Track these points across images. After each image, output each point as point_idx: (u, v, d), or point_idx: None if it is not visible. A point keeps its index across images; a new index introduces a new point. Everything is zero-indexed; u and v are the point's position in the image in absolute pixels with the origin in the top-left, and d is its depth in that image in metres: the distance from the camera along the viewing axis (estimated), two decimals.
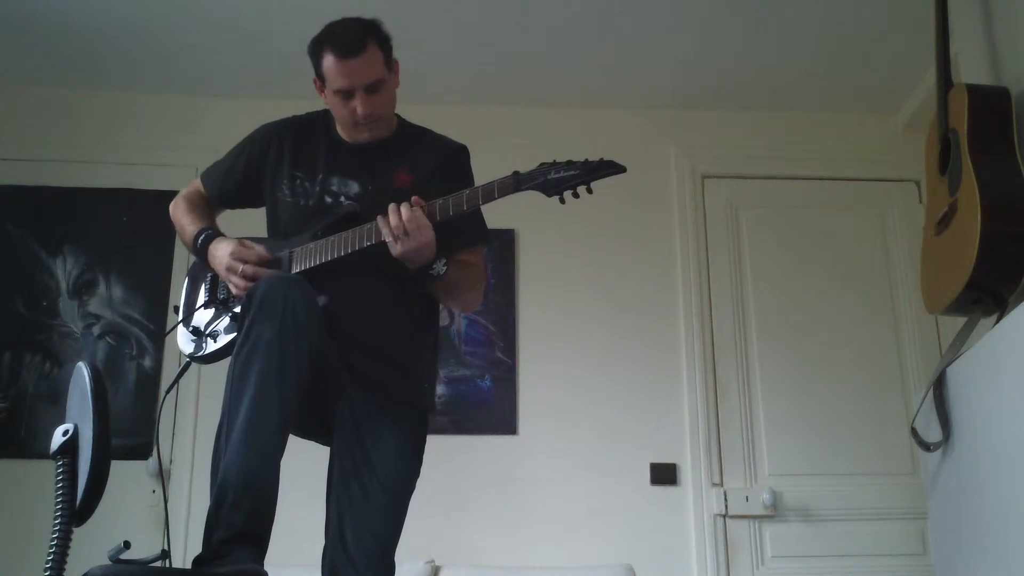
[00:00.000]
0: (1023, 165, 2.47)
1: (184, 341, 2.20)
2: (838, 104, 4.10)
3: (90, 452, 1.46)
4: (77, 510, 1.47)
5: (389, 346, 2.12)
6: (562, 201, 1.95)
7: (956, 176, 2.53)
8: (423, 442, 2.17)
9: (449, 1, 3.49)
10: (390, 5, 3.41)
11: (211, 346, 2.13)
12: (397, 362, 2.12)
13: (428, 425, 2.20)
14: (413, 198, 1.99)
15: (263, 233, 2.28)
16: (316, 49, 2.12)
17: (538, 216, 3.88)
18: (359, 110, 2.11)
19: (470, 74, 3.94)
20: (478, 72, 3.93)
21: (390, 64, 2.15)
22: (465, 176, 2.20)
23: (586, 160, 1.94)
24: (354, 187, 2.18)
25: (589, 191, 1.94)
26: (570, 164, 1.95)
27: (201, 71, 3.92)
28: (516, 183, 1.96)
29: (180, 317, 2.24)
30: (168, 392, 2.30)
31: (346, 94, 2.11)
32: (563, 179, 1.93)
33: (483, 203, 2.00)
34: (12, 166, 3.92)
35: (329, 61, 2.09)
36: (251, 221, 2.36)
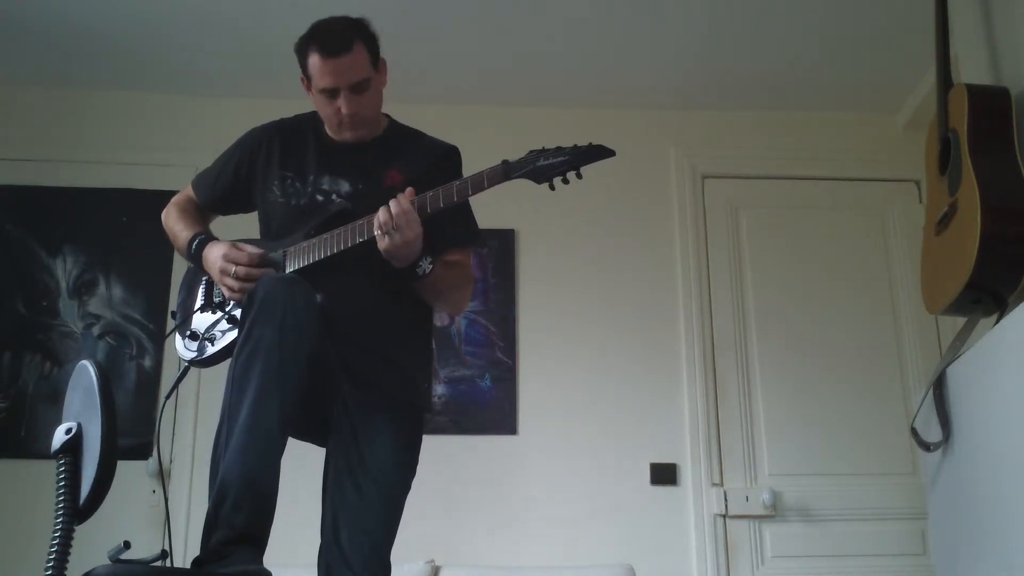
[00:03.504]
0: (1023, 165, 2.47)
1: (182, 347, 2.19)
2: (838, 104, 4.10)
3: (97, 450, 1.46)
4: (80, 508, 1.47)
5: (384, 344, 2.11)
6: (551, 187, 1.95)
7: (956, 176, 2.53)
8: (418, 441, 2.16)
9: (450, 1, 3.49)
10: (391, 5, 3.43)
11: (209, 349, 2.13)
12: (392, 360, 2.12)
13: (424, 424, 2.20)
14: (407, 189, 1.99)
15: (257, 236, 2.28)
16: (302, 47, 2.12)
17: (538, 216, 3.89)
18: (343, 109, 2.11)
19: (470, 74, 3.94)
20: (478, 72, 3.93)
21: (376, 64, 2.14)
22: (456, 177, 2.18)
23: (575, 145, 1.94)
24: (345, 186, 2.17)
25: (579, 176, 1.94)
26: (559, 150, 1.95)
27: (201, 71, 3.92)
28: (505, 172, 1.96)
29: (176, 323, 2.24)
30: (168, 397, 2.31)
31: (331, 93, 2.11)
32: (552, 165, 1.93)
33: (473, 193, 1.99)
34: (12, 166, 3.92)
35: (314, 59, 2.08)
36: (246, 225, 2.36)
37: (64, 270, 3.84)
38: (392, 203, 1.96)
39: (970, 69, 2.85)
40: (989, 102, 2.56)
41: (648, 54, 3.80)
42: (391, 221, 1.95)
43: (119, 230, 3.89)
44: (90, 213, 3.91)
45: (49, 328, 3.77)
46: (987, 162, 2.46)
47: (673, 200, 4.03)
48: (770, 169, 4.11)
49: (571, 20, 3.60)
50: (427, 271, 2.05)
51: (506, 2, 3.50)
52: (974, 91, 2.59)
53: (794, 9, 3.52)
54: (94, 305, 3.81)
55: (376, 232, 1.97)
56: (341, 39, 2.07)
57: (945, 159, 2.62)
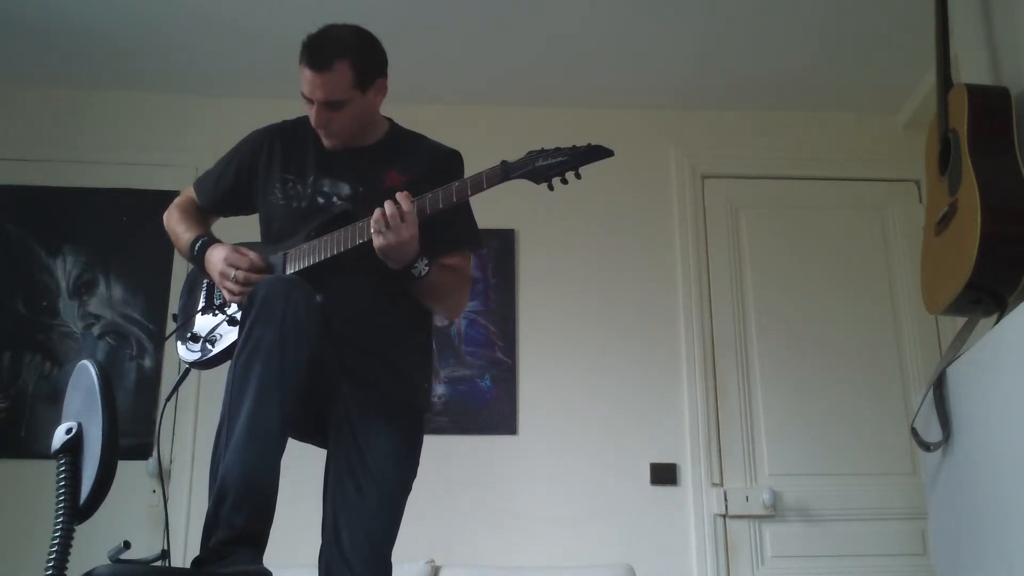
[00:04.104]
0: (1023, 165, 2.47)
1: (184, 349, 2.20)
2: (838, 104, 4.10)
3: (98, 450, 1.46)
4: (81, 508, 1.47)
5: (384, 345, 2.11)
6: (550, 188, 1.96)
7: (956, 176, 2.53)
8: (419, 442, 2.16)
9: (450, 2, 3.49)
10: (392, 5, 3.44)
11: (211, 351, 2.13)
12: (391, 361, 2.12)
13: (424, 425, 2.20)
14: (403, 193, 1.99)
15: (258, 239, 2.28)
16: (301, 49, 2.13)
17: (538, 216, 3.89)
18: (311, 119, 2.14)
19: (470, 74, 3.94)
20: (478, 72, 3.93)
21: (365, 83, 2.12)
22: (456, 180, 2.19)
23: (573, 146, 1.95)
24: (345, 188, 2.18)
25: (578, 176, 1.95)
26: (557, 151, 1.96)
27: (201, 71, 3.92)
28: (504, 172, 1.97)
29: (178, 325, 2.24)
30: (169, 399, 2.31)
31: (308, 100, 2.13)
32: (551, 166, 1.94)
33: (472, 194, 2.00)
34: (12, 166, 3.92)
35: (301, 66, 2.10)
36: (247, 227, 2.36)
37: (64, 270, 3.84)
38: (387, 202, 1.97)
39: (970, 69, 2.85)
40: (989, 102, 2.56)
41: (648, 54, 3.80)
42: (383, 219, 1.95)
43: (119, 230, 3.89)
44: (90, 213, 3.91)
45: (49, 328, 3.77)
46: (987, 162, 2.46)
47: (673, 200, 4.03)
48: (770, 169, 4.12)
49: (571, 20, 3.60)
50: (423, 273, 2.05)
51: (506, 3, 3.50)
52: (974, 91, 2.59)
53: (794, 9, 3.52)
54: (94, 305, 3.81)
55: (372, 232, 1.97)
56: (325, 55, 2.07)
57: (945, 159, 2.62)
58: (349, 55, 2.08)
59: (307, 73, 2.08)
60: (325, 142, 2.19)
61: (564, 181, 1.95)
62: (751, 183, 4.10)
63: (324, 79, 2.07)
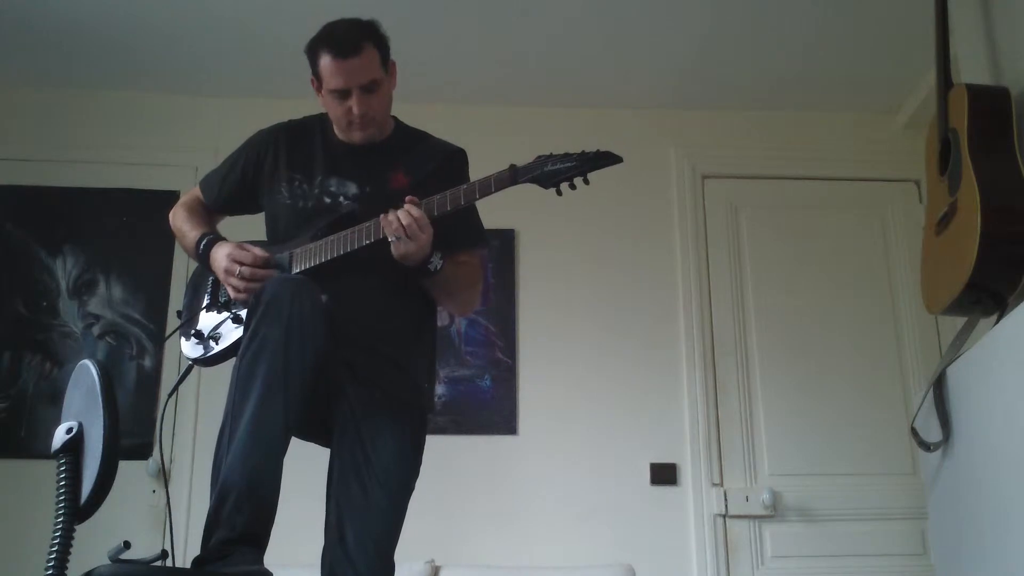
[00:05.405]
0: (1023, 165, 2.47)
1: (187, 346, 2.20)
2: (838, 104, 4.10)
3: (99, 450, 1.46)
4: (81, 508, 1.47)
5: (388, 345, 2.12)
6: (559, 193, 1.96)
7: (956, 176, 2.53)
8: (422, 442, 2.17)
9: (451, 1, 3.49)
10: (392, 5, 3.43)
11: (214, 348, 2.14)
12: (395, 361, 2.12)
13: (427, 425, 2.20)
14: (408, 197, 1.99)
15: (264, 238, 2.28)
16: (313, 49, 2.13)
17: (538, 216, 3.89)
18: (354, 109, 2.12)
19: (470, 74, 3.94)
20: (478, 72, 3.93)
21: (386, 65, 2.16)
22: (462, 179, 2.18)
23: (582, 151, 1.94)
24: (352, 188, 2.18)
25: (586, 182, 1.95)
26: (566, 156, 1.95)
27: (201, 71, 3.92)
28: (513, 176, 1.97)
29: (182, 322, 2.24)
30: (170, 396, 2.31)
31: (342, 94, 2.12)
32: (560, 171, 1.94)
33: (480, 197, 2.00)
34: (12, 166, 3.92)
35: (326, 61, 2.10)
36: (254, 227, 2.36)
37: (64, 270, 3.84)
38: (402, 213, 1.97)
39: (970, 69, 2.85)
40: (989, 102, 2.56)
41: (648, 54, 3.80)
42: (402, 230, 1.96)
43: (119, 230, 3.89)
44: (90, 213, 3.91)
45: (49, 328, 3.77)
46: (987, 162, 2.46)
47: (673, 200, 4.03)
48: (770, 169, 4.12)
49: (571, 20, 3.60)
50: (439, 267, 2.06)
51: (506, 3, 3.50)
52: (974, 91, 2.59)
53: (794, 9, 3.52)
54: (94, 305, 3.81)
55: (391, 239, 1.97)
56: (352, 41, 2.08)
57: (945, 159, 2.63)
58: (370, 37, 2.12)
59: (339, 64, 2.08)
60: (360, 135, 2.18)
61: (572, 186, 1.95)
62: (751, 183, 4.10)
63: (358, 63, 2.08)
